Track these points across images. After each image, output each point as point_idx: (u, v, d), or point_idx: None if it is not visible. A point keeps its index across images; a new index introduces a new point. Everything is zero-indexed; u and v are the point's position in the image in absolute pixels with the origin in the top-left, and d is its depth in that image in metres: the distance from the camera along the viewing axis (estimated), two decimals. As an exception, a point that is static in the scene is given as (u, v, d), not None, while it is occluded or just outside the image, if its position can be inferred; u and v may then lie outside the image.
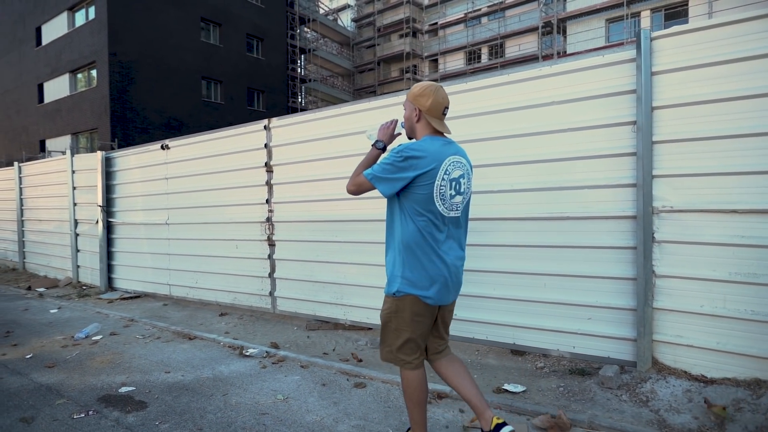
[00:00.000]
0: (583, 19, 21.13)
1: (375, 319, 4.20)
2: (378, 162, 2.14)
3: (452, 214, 2.13)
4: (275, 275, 5.17)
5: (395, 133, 2.35)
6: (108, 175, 7.11)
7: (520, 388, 3.09)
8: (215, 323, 5.17)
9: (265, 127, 5.18)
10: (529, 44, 24.45)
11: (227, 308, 5.69)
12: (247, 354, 4.01)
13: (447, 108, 2.18)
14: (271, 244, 5.17)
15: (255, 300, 5.38)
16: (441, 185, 2.05)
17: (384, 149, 2.30)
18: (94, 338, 4.63)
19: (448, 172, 2.08)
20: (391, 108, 4.16)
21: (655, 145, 3.03)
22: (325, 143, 4.66)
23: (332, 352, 4.05)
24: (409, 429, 2.32)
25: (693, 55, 2.90)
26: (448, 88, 3.88)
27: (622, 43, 19.20)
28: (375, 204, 4.07)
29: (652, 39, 3.02)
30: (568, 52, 21.36)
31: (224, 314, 5.50)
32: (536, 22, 23.06)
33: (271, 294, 5.21)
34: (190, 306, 6.04)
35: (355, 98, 30.76)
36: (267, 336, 4.60)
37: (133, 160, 6.82)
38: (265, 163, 5.17)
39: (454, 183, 2.10)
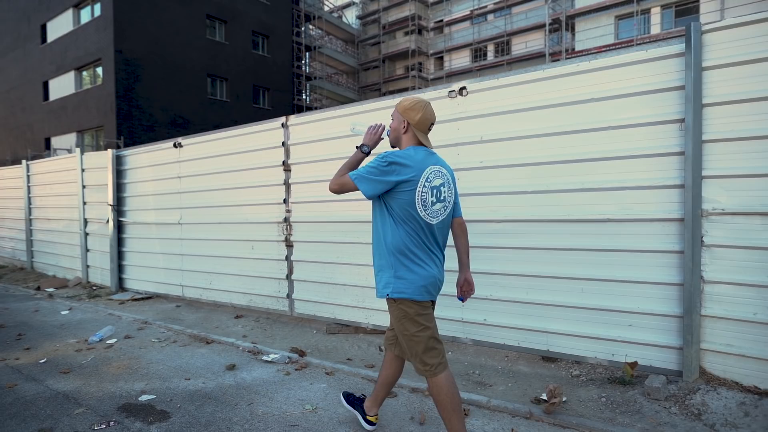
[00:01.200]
0: (591, 16, 20.89)
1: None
2: (363, 165, 2.28)
3: (434, 220, 2.24)
4: (293, 277, 5.03)
5: (380, 137, 2.44)
6: (118, 173, 6.98)
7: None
8: (231, 326, 5.03)
9: (282, 124, 5.03)
10: (535, 41, 24.17)
11: (242, 310, 5.55)
12: (269, 360, 3.88)
13: (433, 124, 2.30)
14: (289, 245, 5.03)
15: (272, 302, 5.24)
16: (422, 192, 2.17)
17: (368, 153, 2.39)
18: (108, 342, 4.50)
19: (429, 180, 2.19)
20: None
21: (705, 144, 2.88)
22: (346, 141, 4.51)
23: (356, 358, 3.91)
24: (451, 443, 2.22)
25: (747, 49, 2.74)
26: (481, 84, 3.74)
27: (632, 41, 19.00)
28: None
29: (702, 32, 2.86)
30: (576, 50, 21.14)
31: (240, 317, 5.37)
32: (543, 19, 22.79)
33: (288, 296, 5.08)
34: (203, 308, 5.91)
35: (360, 96, 30.57)
36: (287, 340, 4.46)
37: (144, 159, 6.69)
38: (283, 162, 5.02)
39: (435, 191, 2.21)
